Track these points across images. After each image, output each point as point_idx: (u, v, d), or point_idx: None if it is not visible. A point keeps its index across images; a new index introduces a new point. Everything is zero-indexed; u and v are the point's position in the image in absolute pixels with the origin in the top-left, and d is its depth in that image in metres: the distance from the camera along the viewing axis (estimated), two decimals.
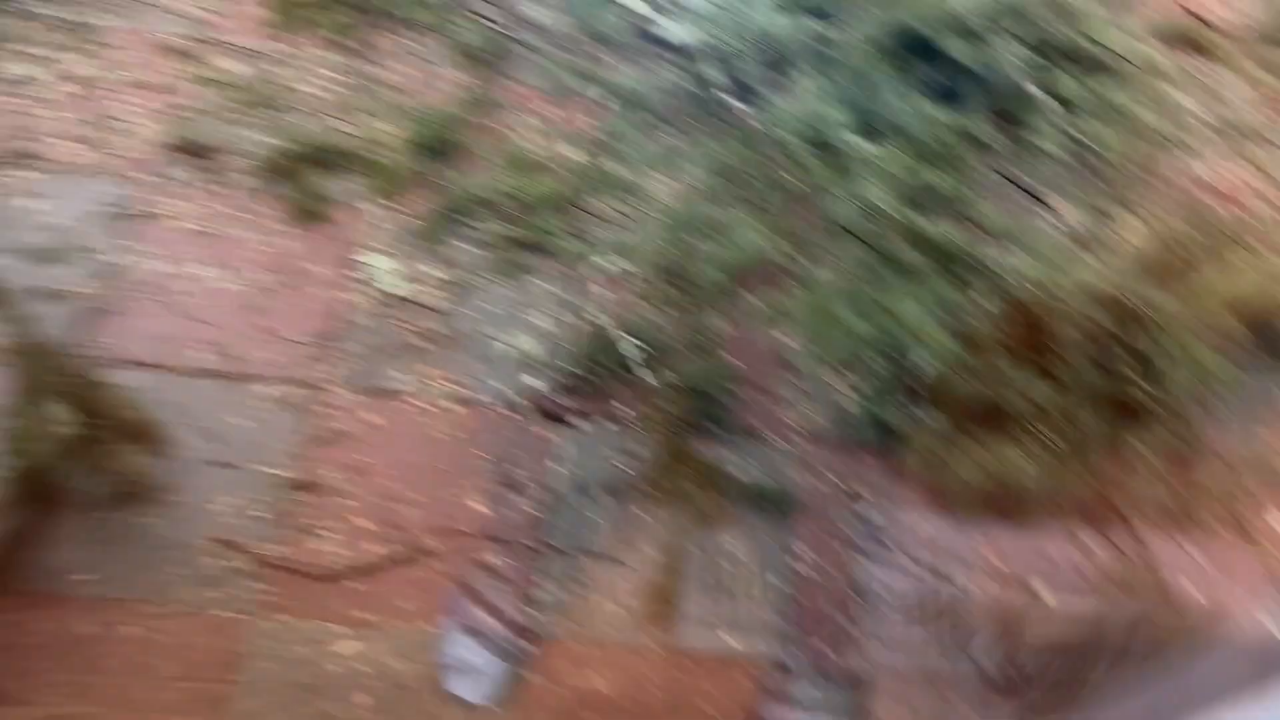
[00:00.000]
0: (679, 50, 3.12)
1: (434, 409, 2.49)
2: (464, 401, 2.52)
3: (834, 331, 2.59)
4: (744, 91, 3.01)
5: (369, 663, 2.09)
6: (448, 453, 2.43)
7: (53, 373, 2.29)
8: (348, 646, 2.11)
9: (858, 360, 2.59)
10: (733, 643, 2.21)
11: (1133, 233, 2.81)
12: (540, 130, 3.07)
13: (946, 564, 2.37)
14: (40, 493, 2.18)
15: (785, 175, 2.80)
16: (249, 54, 3.08)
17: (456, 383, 2.55)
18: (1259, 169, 3.08)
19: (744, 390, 2.58)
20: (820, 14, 3.07)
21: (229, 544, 2.20)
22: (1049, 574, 2.38)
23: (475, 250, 2.79)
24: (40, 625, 2.05)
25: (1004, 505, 2.44)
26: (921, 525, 2.42)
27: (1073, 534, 2.44)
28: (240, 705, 2.01)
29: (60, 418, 2.21)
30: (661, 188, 2.89)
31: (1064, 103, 3.03)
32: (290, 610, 2.14)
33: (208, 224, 2.72)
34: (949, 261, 2.62)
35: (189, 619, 2.10)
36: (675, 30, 3.14)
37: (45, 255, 2.58)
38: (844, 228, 2.58)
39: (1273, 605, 2.31)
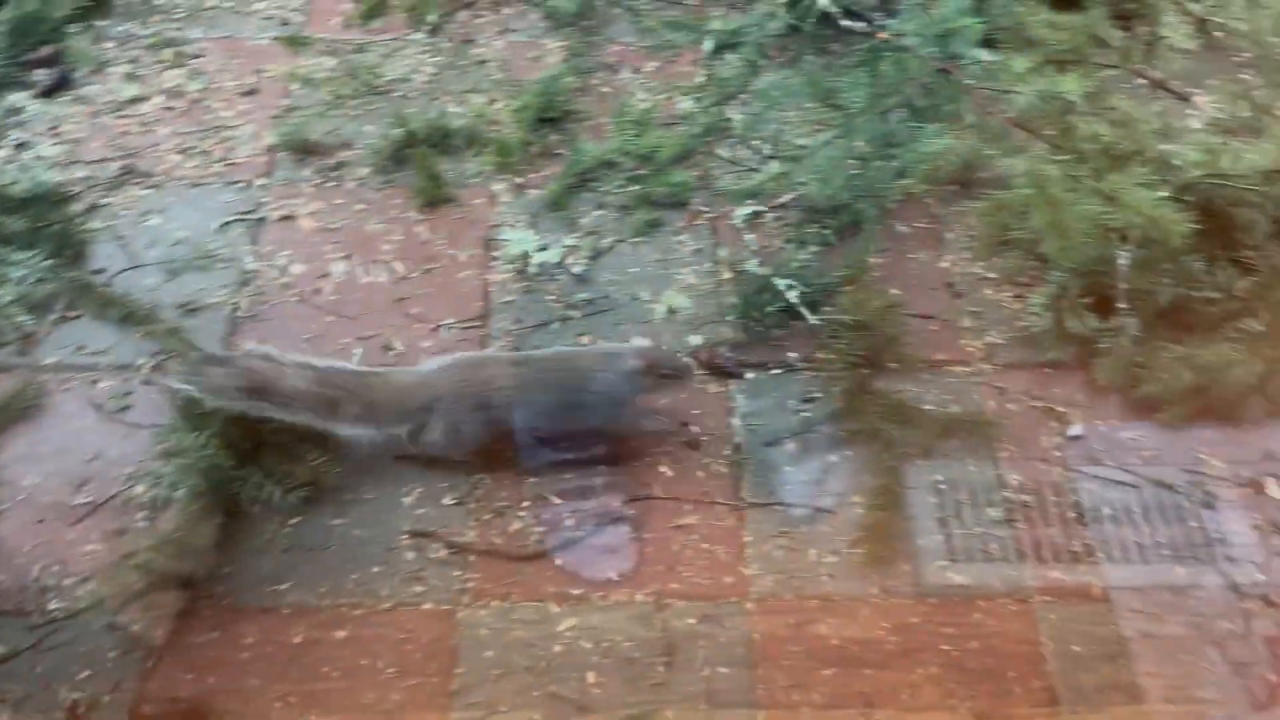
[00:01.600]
0: None
1: None
2: None
3: (1010, 243, 2.47)
4: (857, 15, 2.89)
5: (591, 638, 2.00)
6: None
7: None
8: (566, 624, 2.02)
9: (1037, 273, 2.47)
10: (960, 579, 2.09)
11: None
12: (650, 86, 2.98)
13: (1164, 472, 2.24)
14: (225, 507, 2.12)
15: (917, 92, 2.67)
16: (344, 47, 3.01)
17: None
18: None
19: (916, 320, 2.46)
20: None
21: (424, 535, 2.13)
22: None
23: (609, 214, 2.70)
24: (251, 638, 1.98)
25: (1214, 406, 2.31)
26: (1129, 436, 2.29)
27: None
28: (468, 698, 1.93)
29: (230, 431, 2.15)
30: (789, 124, 2.79)
31: None
32: (499, 595, 2.05)
33: (337, 220, 2.65)
34: (1114, 160, 2.47)
35: (398, 615, 2.02)
36: None
37: (179, 268, 2.52)
38: (1021, 126, 2.44)
39: None
